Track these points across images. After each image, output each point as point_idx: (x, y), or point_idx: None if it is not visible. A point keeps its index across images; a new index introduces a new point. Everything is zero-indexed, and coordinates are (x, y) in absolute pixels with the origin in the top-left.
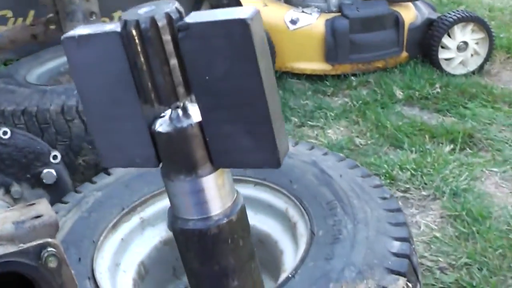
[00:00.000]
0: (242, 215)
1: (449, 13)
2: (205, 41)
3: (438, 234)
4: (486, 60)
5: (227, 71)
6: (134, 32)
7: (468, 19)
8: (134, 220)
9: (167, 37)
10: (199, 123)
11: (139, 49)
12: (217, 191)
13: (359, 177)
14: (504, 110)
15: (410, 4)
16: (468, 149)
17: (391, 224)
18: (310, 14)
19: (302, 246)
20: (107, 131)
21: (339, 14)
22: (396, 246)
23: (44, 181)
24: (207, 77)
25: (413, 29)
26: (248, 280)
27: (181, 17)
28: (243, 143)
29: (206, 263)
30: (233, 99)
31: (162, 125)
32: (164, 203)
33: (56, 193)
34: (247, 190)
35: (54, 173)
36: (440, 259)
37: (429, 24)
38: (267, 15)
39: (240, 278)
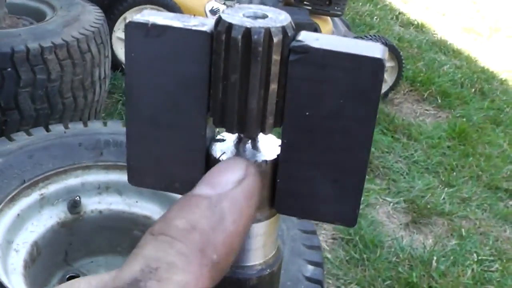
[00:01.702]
0: (280, 267)
1: (365, 36)
2: (321, 71)
3: (329, 255)
4: (391, 88)
5: (335, 110)
6: (240, 41)
7: (383, 45)
8: (34, 196)
9: (277, 57)
10: (274, 160)
11: (239, 62)
12: (266, 239)
13: None
14: (402, 141)
15: (329, 18)
16: None
17: (305, 246)
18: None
19: None
20: (150, 142)
21: None
22: (310, 270)
23: None
24: (307, 112)
25: None
26: None
27: (294, 35)
28: (322, 192)
29: None
30: (331, 141)
31: (225, 153)
32: (68, 182)
33: None
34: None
35: None
36: (330, 281)
37: None
38: (189, 0)
39: None
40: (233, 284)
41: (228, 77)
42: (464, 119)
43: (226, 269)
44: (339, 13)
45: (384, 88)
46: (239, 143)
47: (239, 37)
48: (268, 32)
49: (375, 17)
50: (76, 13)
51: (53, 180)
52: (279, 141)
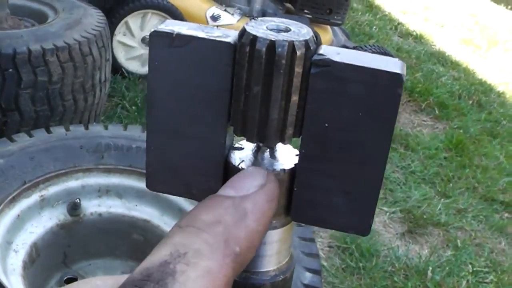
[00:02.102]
0: (292, 274)
1: (365, 46)
2: (342, 85)
3: (325, 263)
4: None
5: (354, 123)
6: (264, 53)
7: (382, 55)
8: (34, 197)
9: (299, 69)
10: (292, 170)
11: (262, 74)
12: (281, 246)
13: None
14: (399, 151)
15: (328, 27)
16: None
17: (304, 253)
18: (232, 14)
19: None
20: (169, 148)
21: None
22: (308, 277)
23: None
24: (326, 124)
25: None
26: None
27: (316, 49)
28: (337, 202)
29: None
30: (348, 153)
31: (244, 162)
32: (69, 184)
33: None
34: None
35: None
36: None
37: None
38: (190, 5)
39: None
40: None
41: (250, 88)
42: (461, 131)
43: (246, 263)
44: (339, 22)
45: None
46: (257, 152)
47: (264, 49)
48: (291, 45)
49: (374, 27)
50: (78, 16)
51: (54, 182)
52: (296, 151)
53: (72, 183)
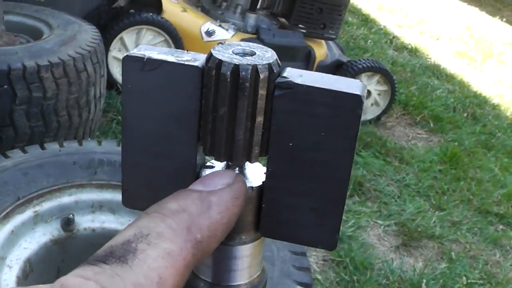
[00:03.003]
0: (264, 286)
1: (359, 60)
2: (305, 106)
3: (319, 277)
4: (384, 112)
5: (317, 143)
6: (229, 77)
7: (376, 70)
8: (28, 213)
9: (263, 92)
10: (260, 187)
11: (227, 96)
12: (252, 260)
13: None
14: (394, 164)
15: (323, 42)
16: (356, 196)
17: (295, 267)
18: (227, 30)
19: None
20: (143, 168)
21: (255, 36)
22: None
23: None
24: (291, 143)
25: (322, 67)
26: None
27: (279, 71)
28: (304, 218)
29: None
30: (313, 172)
31: None
32: (62, 200)
33: None
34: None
35: None
36: None
37: (338, 65)
38: (185, 21)
39: None
40: None
41: (217, 110)
42: (456, 143)
43: (208, 252)
44: (333, 36)
45: (377, 111)
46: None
47: (228, 73)
48: (255, 69)
49: (369, 41)
50: (72, 32)
51: (47, 197)
52: (265, 169)
53: (66, 199)
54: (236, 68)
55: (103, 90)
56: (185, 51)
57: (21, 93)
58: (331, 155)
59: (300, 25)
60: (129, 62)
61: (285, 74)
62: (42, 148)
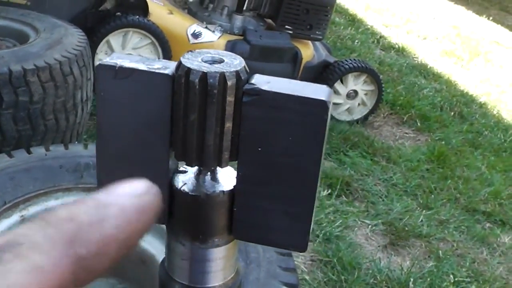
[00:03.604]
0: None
1: (346, 60)
2: (272, 112)
3: (307, 277)
4: (371, 112)
5: (286, 148)
6: (197, 84)
7: (363, 70)
8: (15, 217)
9: (231, 98)
10: (231, 191)
11: (197, 103)
12: (226, 262)
13: None
14: (381, 164)
15: (310, 42)
16: (344, 196)
17: (281, 268)
18: (213, 31)
19: None
20: (118, 173)
21: (242, 38)
22: None
23: None
24: (260, 148)
25: (309, 67)
26: None
27: (247, 78)
28: (275, 222)
29: None
30: (282, 176)
31: (186, 185)
32: (49, 203)
33: None
34: None
35: None
36: None
37: (325, 66)
38: (171, 23)
39: None
40: None
41: (187, 116)
42: (443, 142)
43: (94, 270)
44: (320, 37)
45: (364, 111)
46: (199, 175)
47: (196, 80)
48: (223, 76)
49: (357, 41)
50: (59, 36)
51: (34, 202)
52: (235, 173)
53: (52, 203)
54: (204, 75)
55: (90, 93)
56: (157, 59)
57: (7, 97)
58: (299, 159)
59: (286, 26)
60: (102, 70)
61: (253, 81)
62: (28, 152)
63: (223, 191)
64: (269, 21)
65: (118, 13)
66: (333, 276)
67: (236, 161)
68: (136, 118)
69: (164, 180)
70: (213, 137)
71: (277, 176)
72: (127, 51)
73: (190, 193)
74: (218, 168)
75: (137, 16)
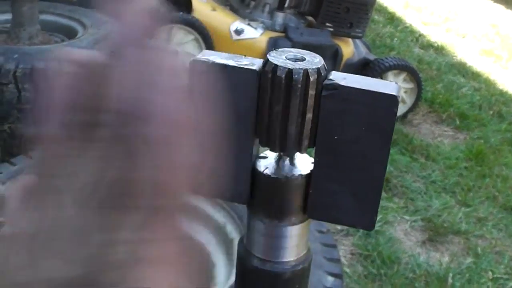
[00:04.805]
0: (310, 264)
1: (386, 58)
2: (348, 105)
3: (347, 270)
4: (410, 110)
5: (358, 137)
6: (283, 79)
7: (403, 67)
8: None
9: (312, 92)
10: (308, 175)
11: (281, 96)
12: (300, 239)
13: None
14: (420, 161)
15: (350, 40)
16: (384, 192)
17: (326, 258)
18: (255, 28)
19: None
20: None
21: (283, 34)
22: (330, 281)
23: None
24: (335, 137)
25: (349, 65)
26: None
27: (326, 75)
28: (345, 203)
29: None
30: (353, 162)
31: (268, 168)
32: None
33: None
34: None
35: None
36: None
37: (365, 64)
38: (214, 20)
39: None
40: (270, 277)
41: (272, 107)
42: (482, 141)
43: None
44: (360, 35)
45: (403, 109)
46: (279, 160)
47: (283, 76)
48: (306, 72)
49: (396, 39)
50: (106, 31)
51: None
52: (311, 159)
53: None
54: (290, 72)
55: None
56: (243, 56)
57: None
58: (370, 147)
59: (327, 24)
60: (194, 64)
61: (331, 77)
62: None
63: (301, 175)
64: (310, 18)
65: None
66: (373, 270)
67: (313, 148)
68: (224, 109)
69: (248, 165)
70: (295, 126)
71: (349, 162)
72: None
73: (271, 176)
74: (296, 154)
75: (181, 13)
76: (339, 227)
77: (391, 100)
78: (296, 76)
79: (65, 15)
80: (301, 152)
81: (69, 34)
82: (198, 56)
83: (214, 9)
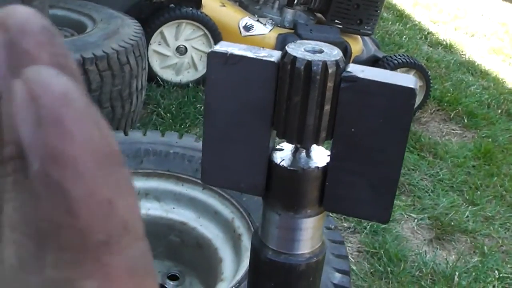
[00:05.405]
0: (324, 257)
1: (395, 56)
2: (366, 97)
3: (354, 267)
4: (419, 107)
5: (375, 129)
6: (302, 71)
7: (412, 65)
8: None
9: (330, 84)
10: (324, 167)
11: (300, 88)
12: (315, 232)
13: None
14: (428, 159)
15: (359, 37)
16: None
17: (334, 255)
18: (265, 24)
19: (246, 260)
20: (221, 150)
21: (292, 31)
22: (338, 278)
23: None
24: (353, 129)
25: (358, 62)
26: None
27: (344, 67)
28: (362, 195)
29: None
30: (370, 154)
31: (284, 160)
32: None
33: None
34: (194, 193)
35: None
36: None
37: (374, 61)
38: (223, 16)
39: None
40: (285, 269)
41: (291, 99)
42: (490, 140)
43: None
44: (369, 32)
45: None
46: (295, 152)
47: (302, 67)
48: (325, 64)
49: (404, 37)
50: (115, 26)
51: None
52: (327, 152)
53: None
54: (308, 63)
55: (144, 82)
56: (261, 48)
57: None
58: (387, 139)
59: (336, 21)
60: (213, 57)
61: (349, 69)
62: None
63: (318, 167)
64: (319, 15)
65: (172, 5)
66: (380, 267)
67: (330, 140)
68: (242, 100)
69: (265, 156)
70: (313, 118)
71: (366, 155)
72: (179, 43)
73: (288, 167)
74: (313, 146)
75: (190, 8)
76: (346, 224)
77: (409, 93)
78: (315, 67)
79: (75, 9)
80: (318, 144)
81: (79, 28)
82: (216, 47)
83: (223, 5)
